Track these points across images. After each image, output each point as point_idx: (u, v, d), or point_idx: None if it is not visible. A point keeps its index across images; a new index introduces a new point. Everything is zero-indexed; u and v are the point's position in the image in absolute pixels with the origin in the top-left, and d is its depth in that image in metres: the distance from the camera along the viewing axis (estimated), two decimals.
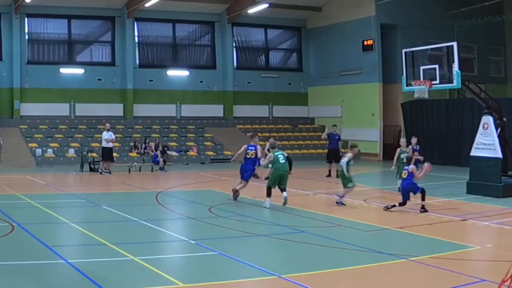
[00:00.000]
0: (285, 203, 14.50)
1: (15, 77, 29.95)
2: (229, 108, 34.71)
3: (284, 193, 14.68)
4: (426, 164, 14.76)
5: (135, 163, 26.31)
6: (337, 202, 15.38)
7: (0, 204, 14.33)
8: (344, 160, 15.38)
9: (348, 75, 33.70)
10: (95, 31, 32.89)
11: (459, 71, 17.76)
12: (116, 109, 32.31)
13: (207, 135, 32.49)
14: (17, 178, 21.66)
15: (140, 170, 25.61)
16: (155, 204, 15.69)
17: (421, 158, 17.07)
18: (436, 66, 19.25)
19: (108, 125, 25.01)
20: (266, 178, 20.92)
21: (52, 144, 28.23)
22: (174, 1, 31.77)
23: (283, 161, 14.97)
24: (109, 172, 23.70)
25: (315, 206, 15.32)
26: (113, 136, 24.32)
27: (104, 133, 24.04)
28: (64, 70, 31.31)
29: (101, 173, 23.65)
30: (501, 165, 17.32)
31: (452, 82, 18.18)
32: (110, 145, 23.97)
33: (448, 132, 28.53)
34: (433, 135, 29.34)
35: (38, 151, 27.32)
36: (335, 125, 24.86)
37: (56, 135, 29.22)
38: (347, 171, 15.17)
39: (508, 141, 18.96)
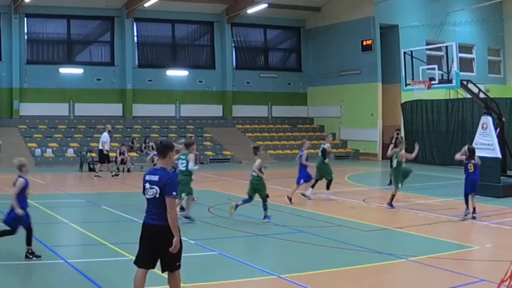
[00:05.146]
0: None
1: (14, 77, 29.94)
2: (228, 108, 34.71)
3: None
4: None
5: (134, 163, 26.37)
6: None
7: None
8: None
9: (347, 75, 33.71)
10: (94, 31, 32.90)
11: (458, 71, 17.79)
12: (115, 109, 32.30)
13: (206, 135, 32.49)
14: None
15: (142, 170, 25.72)
16: None
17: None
18: (435, 66, 19.29)
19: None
20: None
21: (51, 144, 28.23)
22: (173, 1, 31.76)
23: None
24: None
25: (315, 206, 15.32)
26: None
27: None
28: (64, 70, 31.30)
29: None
30: (500, 165, 17.34)
31: (451, 82, 18.21)
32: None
33: (447, 132, 28.55)
34: (432, 135, 29.37)
35: (37, 151, 27.32)
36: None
37: (55, 135, 29.22)
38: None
39: (507, 141, 18.99)
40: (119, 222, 12.99)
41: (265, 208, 12.77)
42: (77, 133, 29.79)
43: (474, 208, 13.51)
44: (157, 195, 6.57)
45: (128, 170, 24.99)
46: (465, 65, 32.39)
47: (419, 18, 32.03)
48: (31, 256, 8.98)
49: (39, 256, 9.02)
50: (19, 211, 8.96)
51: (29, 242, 9.07)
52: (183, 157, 12.58)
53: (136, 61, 33.06)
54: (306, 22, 36.77)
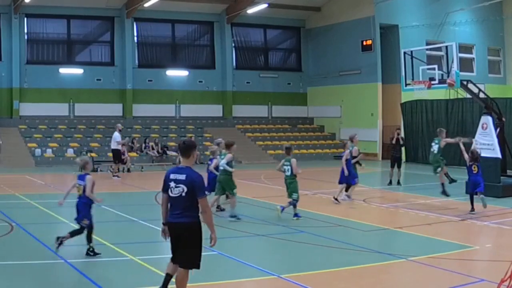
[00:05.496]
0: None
1: (14, 77, 29.94)
2: (228, 108, 34.71)
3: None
4: None
5: (134, 163, 26.37)
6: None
7: None
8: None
9: (347, 75, 33.71)
10: (94, 31, 32.89)
11: (458, 71, 17.78)
12: (115, 109, 32.29)
13: (206, 135, 32.47)
14: (16, 178, 21.65)
15: (142, 170, 25.71)
16: (155, 204, 15.64)
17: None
18: (435, 66, 19.27)
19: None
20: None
21: (51, 144, 28.21)
22: (173, 1, 31.76)
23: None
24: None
25: (315, 206, 15.31)
26: None
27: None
28: (63, 70, 31.29)
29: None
30: (500, 165, 17.33)
31: None
32: None
33: (447, 132, 28.52)
34: (432, 135, 29.25)
35: (38, 151, 27.31)
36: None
37: (55, 135, 29.20)
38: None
39: (507, 141, 18.97)
40: (119, 222, 12.98)
41: (292, 205, 13.20)
42: (77, 133, 29.77)
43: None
44: (183, 194, 6.63)
45: (128, 170, 24.98)
46: (465, 65, 32.38)
47: (419, 18, 32.03)
48: (91, 254, 9.30)
49: (99, 254, 9.31)
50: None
51: (89, 239, 9.39)
52: (223, 156, 13.06)
53: (136, 61, 33.06)
54: (306, 22, 36.77)
